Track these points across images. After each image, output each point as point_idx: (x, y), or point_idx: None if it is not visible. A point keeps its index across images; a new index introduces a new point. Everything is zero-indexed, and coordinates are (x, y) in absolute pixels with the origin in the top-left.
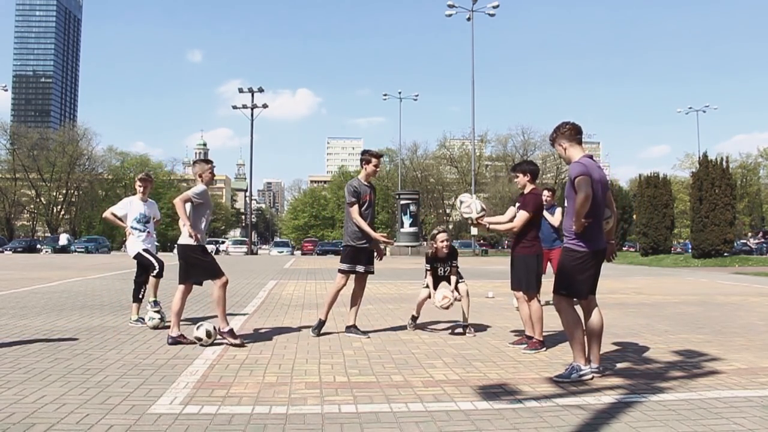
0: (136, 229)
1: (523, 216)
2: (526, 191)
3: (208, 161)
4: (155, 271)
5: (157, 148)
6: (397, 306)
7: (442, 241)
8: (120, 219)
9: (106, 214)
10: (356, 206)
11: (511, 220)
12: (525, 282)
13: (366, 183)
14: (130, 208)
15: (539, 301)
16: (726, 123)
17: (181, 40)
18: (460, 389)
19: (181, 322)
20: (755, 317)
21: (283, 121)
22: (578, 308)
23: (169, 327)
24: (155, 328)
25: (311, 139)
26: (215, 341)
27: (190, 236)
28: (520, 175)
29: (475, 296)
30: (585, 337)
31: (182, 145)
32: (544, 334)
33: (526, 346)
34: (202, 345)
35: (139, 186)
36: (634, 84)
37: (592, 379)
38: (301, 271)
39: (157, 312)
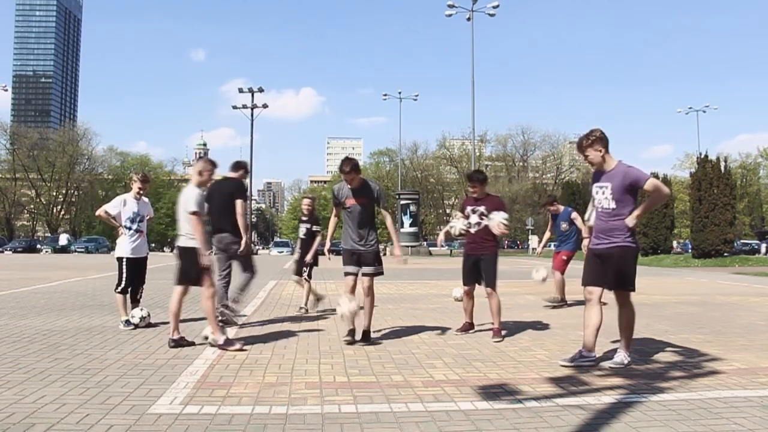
0: (129, 228)
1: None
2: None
3: (213, 163)
4: (118, 288)
5: (159, 147)
6: (397, 306)
7: (305, 204)
8: (113, 218)
9: (100, 212)
10: (335, 209)
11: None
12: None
13: (350, 186)
14: (123, 207)
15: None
16: (731, 122)
17: (184, 39)
18: (460, 389)
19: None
20: (755, 317)
21: (287, 121)
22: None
23: (150, 325)
24: (146, 325)
25: (315, 138)
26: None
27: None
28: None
29: (475, 296)
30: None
31: (184, 144)
32: (548, 334)
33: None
34: (210, 344)
35: (139, 186)
36: (636, 83)
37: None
38: None
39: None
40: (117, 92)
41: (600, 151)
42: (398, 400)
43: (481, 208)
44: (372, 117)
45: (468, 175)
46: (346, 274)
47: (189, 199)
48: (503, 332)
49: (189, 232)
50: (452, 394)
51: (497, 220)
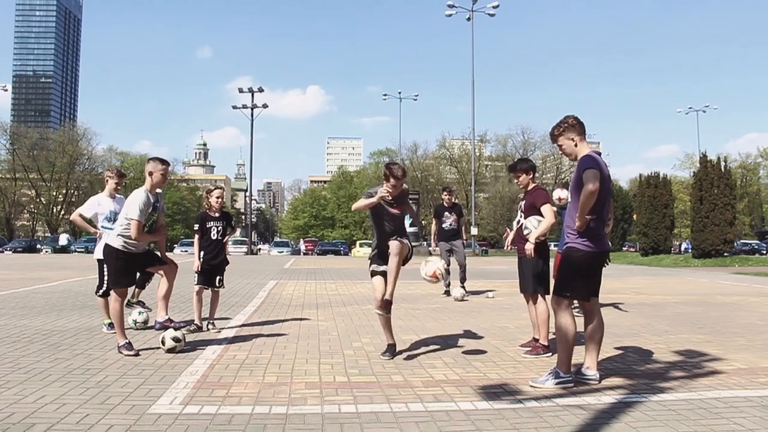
0: (107, 228)
1: (551, 209)
2: (529, 188)
3: (165, 161)
4: (100, 291)
5: (164, 146)
6: (396, 306)
7: (217, 197)
8: (89, 221)
9: (74, 216)
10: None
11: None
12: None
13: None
14: (98, 208)
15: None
16: (739, 121)
17: (191, 38)
18: (460, 389)
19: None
20: (755, 317)
21: (293, 119)
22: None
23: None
24: (145, 323)
25: (319, 137)
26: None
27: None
28: (522, 175)
29: (476, 296)
30: (586, 341)
31: (188, 143)
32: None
33: (529, 349)
34: (177, 351)
35: (116, 182)
36: (640, 82)
37: (573, 386)
38: (301, 271)
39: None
40: (120, 92)
41: (572, 140)
42: (398, 400)
43: (522, 203)
44: (375, 116)
45: (509, 167)
46: (374, 273)
47: (132, 203)
48: (541, 349)
49: (117, 232)
50: (452, 394)
51: (526, 225)
